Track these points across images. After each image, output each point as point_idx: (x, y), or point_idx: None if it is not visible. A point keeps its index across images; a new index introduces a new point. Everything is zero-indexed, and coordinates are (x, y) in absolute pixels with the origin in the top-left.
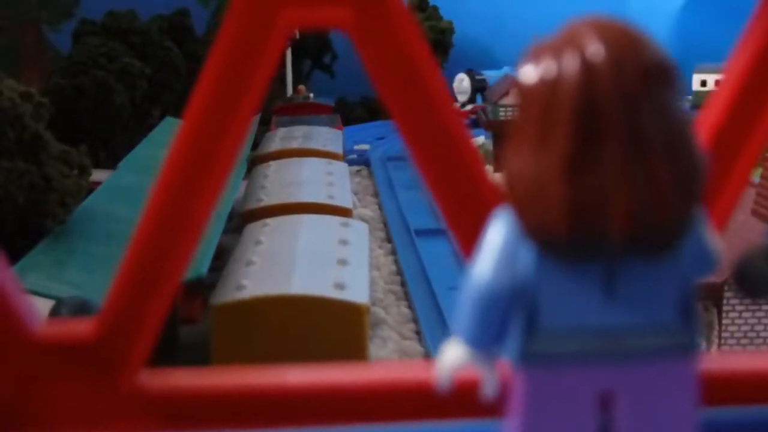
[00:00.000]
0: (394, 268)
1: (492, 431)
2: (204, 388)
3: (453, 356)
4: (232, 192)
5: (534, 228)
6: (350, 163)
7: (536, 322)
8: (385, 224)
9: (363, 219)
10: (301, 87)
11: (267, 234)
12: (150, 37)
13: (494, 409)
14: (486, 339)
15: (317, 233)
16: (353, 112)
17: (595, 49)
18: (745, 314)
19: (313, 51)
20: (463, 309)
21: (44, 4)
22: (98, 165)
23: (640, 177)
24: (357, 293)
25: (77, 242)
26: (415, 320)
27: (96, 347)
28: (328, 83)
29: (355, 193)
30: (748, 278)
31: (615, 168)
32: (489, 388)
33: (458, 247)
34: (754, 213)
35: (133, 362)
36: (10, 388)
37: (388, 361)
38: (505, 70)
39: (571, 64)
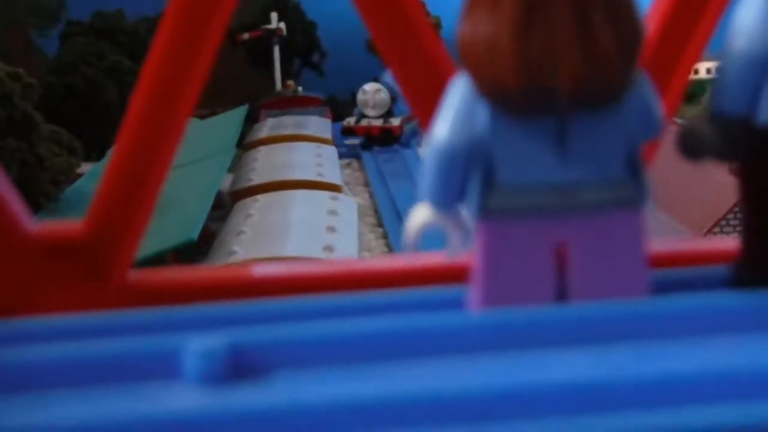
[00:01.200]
0: (385, 250)
1: (459, 295)
2: (189, 280)
3: (419, 216)
4: (219, 177)
5: (488, 86)
6: (340, 156)
7: (493, 178)
8: (376, 211)
9: None
10: (290, 82)
11: (258, 208)
12: (138, 37)
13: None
14: (448, 197)
15: (307, 205)
16: (344, 109)
17: None
18: None
19: (301, 49)
20: (426, 171)
21: (31, 9)
22: (89, 160)
23: (584, 38)
24: (346, 255)
25: (69, 219)
26: None
27: (86, 245)
28: (318, 81)
29: (346, 184)
30: (691, 141)
31: (562, 28)
32: (453, 246)
33: (419, 121)
34: (732, 171)
35: (121, 260)
36: (7, 284)
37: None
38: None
39: None
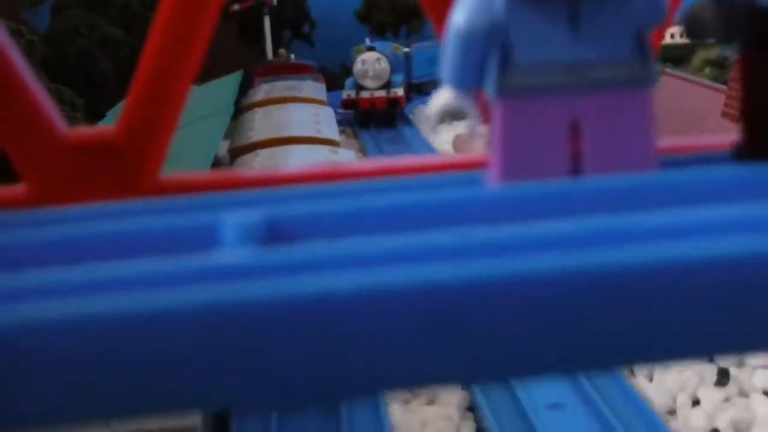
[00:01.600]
0: None
1: (478, 177)
2: (218, 179)
3: (441, 98)
4: (219, 134)
5: None
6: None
7: (510, 58)
8: None
9: None
10: (282, 50)
11: (259, 162)
12: (130, 9)
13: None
14: (468, 79)
15: (307, 159)
16: (335, 80)
17: None
18: None
19: (291, 20)
20: (447, 56)
21: None
22: None
23: None
24: None
25: None
26: None
27: (118, 147)
28: (308, 52)
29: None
30: (695, 22)
31: None
32: (473, 124)
33: (434, 22)
34: (725, 115)
35: (151, 161)
36: (43, 183)
37: None
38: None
39: None
